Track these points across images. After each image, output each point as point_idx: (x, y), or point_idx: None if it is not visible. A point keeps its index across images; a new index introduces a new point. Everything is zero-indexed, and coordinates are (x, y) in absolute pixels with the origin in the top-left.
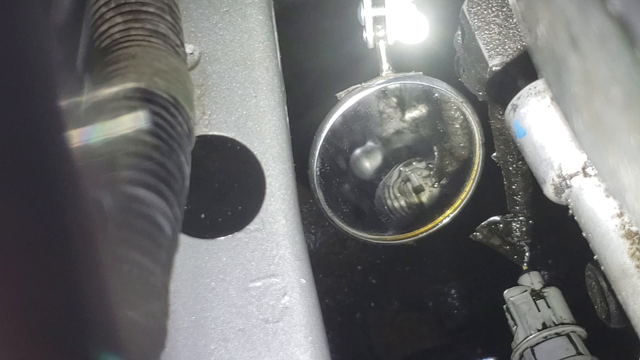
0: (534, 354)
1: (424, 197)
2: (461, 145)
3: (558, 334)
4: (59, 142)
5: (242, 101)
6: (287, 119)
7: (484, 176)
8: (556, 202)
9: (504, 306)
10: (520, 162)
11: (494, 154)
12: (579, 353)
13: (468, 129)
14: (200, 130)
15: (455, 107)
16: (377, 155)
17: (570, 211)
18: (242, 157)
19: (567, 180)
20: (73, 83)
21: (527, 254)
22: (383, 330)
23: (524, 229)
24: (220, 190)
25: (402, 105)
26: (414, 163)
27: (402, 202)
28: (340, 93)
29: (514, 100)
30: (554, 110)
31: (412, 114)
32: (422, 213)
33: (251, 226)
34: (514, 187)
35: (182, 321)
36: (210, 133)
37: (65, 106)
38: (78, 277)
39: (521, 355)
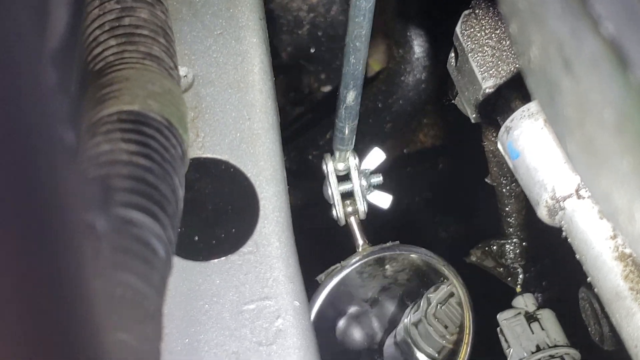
0: None
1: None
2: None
3: (552, 357)
4: (53, 165)
5: (236, 124)
6: (281, 142)
7: (478, 198)
8: (550, 224)
9: (498, 328)
10: (514, 184)
11: (488, 177)
12: None
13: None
14: (194, 152)
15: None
16: (368, 319)
17: (563, 233)
18: (236, 179)
19: (561, 203)
20: (67, 106)
21: (520, 276)
22: None
23: (517, 251)
24: (214, 213)
25: (382, 261)
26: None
27: (446, 323)
28: (321, 276)
29: (507, 123)
30: (547, 132)
31: (393, 267)
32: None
33: (245, 249)
34: (507, 209)
35: (176, 344)
36: (204, 155)
37: (59, 129)
38: (70, 300)
39: None
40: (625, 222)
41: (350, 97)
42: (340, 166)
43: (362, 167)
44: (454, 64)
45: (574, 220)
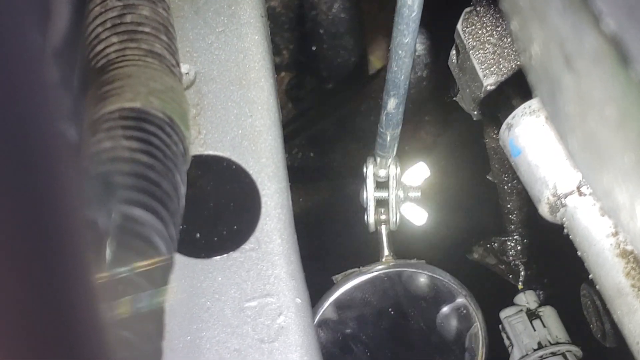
0: None
1: None
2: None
3: (554, 354)
4: (55, 162)
5: (238, 121)
6: (282, 139)
7: (479, 196)
8: (551, 221)
9: (500, 326)
10: (515, 182)
11: (489, 174)
12: None
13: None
14: (196, 149)
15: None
16: (375, 339)
17: (565, 230)
18: (238, 176)
19: (562, 199)
20: (70, 103)
21: (522, 273)
22: None
23: (519, 248)
24: (216, 210)
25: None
26: None
27: None
28: (337, 276)
29: (508, 120)
30: (548, 129)
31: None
32: None
33: (246, 246)
34: (509, 206)
35: (178, 341)
36: (206, 152)
37: (62, 126)
38: (71, 297)
39: None
40: (627, 218)
41: (392, 104)
42: (381, 172)
43: (403, 178)
44: (456, 62)
45: (575, 217)
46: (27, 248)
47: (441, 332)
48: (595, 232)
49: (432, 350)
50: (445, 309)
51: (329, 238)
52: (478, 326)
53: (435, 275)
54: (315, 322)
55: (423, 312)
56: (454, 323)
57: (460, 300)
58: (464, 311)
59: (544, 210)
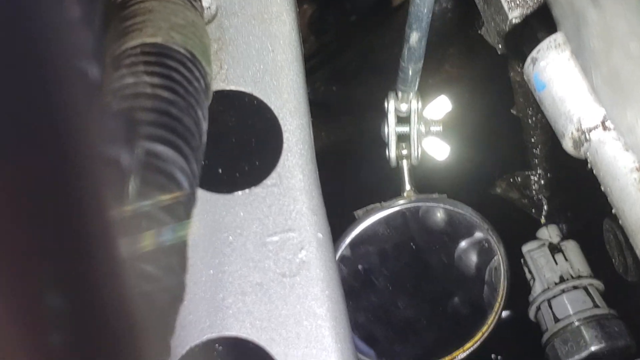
0: (551, 307)
1: None
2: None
3: (575, 287)
4: (77, 99)
5: (259, 56)
6: (304, 74)
7: (503, 130)
8: (575, 155)
9: (522, 260)
10: (540, 116)
11: (513, 108)
12: (595, 306)
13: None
14: (218, 85)
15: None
16: (396, 273)
17: (589, 165)
18: (259, 112)
19: (586, 134)
20: (91, 39)
21: (545, 207)
22: None
23: (542, 182)
24: (238, 145)
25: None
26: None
27: None
28: (359, 211)
29: (533, 54)
30: (573, 63)
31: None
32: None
33: (268, 181)
34: (532, 140)
35: (200, 275)
36: (228, 88)
37: (83, 62)
38: (94, 232)
39: (538, 308)
40: None
41: (414, 38)
42: (403, 107)
43: (425, 114)
44: None
45: (599, 151)
46: (49, 185)
47: (462, 266)
48: (619, 166)
49: (453, 284)
50: (466, 243)
51: (350, 173)
52: (499, 260)
53: (456, 210)
54: (337, 257)
55: (444, 246)
56: (475, 257)
57: (481, 234)
58: (486, 245)
59: (567, 144)
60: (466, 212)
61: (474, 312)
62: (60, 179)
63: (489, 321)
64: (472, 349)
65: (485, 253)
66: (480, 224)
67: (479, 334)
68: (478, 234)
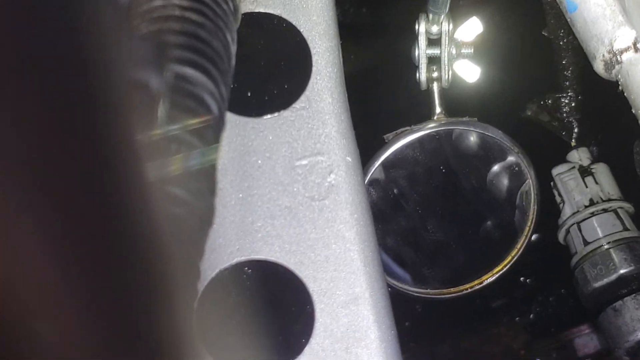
0: (580, 230)
1: None
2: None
3: (605, 210)
4: (105, 22)
5: None
6: None
7: (534, 52)
8: (606, 78)
9: (551, 183)
10: (571, 37)
11: (545, 29)
12: (625, 229)
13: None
14: (246, 7)
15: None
16: (426, 197)
17: (620, 87)
18: (288, 34)
19: (618, 56)
20: None
21: (575, 130)
22: None
23: (573, 104)
24: (266, 68)
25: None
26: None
27: None
28: (389, 135)
29: None
30: None
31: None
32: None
33: (297, 104)
34: (564, 62)
35: (230, 198)
36: (256, 10)
37: None
38: (124, 158)
39: (567, 232)
40: None
41: None
42: (434, 29)
43: (456, 35)
44: None
45: (630, 74)
46: (79, 110)
47: (492, 190)
48: None
49: (483, 207)
50: (497, 167)
51: (380, 97)
52: (530, 183)
53: (487, 133)
54: (366, 180)
55: (474, 169)
56: (505, 181)
57: (512, 157)
58: (516, 168)
59: (599, 67)
60: (497, 135)
61: (504, 235)
62: (89, 103)
63: (519, 245)
64: (501, 272)
65: (516, 177)
66: (510, 148)
67: (509, 258)
68: (509, 158)
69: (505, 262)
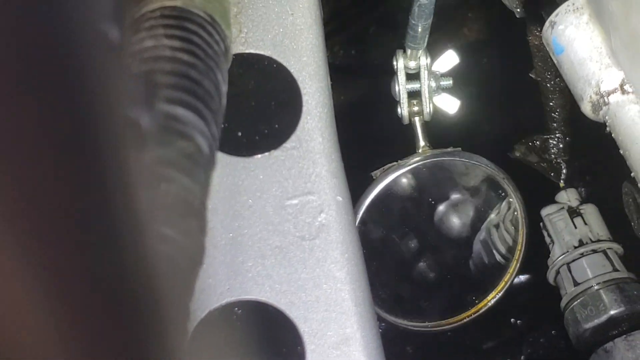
0: (570, 271)
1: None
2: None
3: (594, 251)
4: (97, 61)
5: (279, 19)
6: (324, 37)
7: (522, 93)
8: (594, 119)
9: (541, 223)
10: (558, 79)
11: (532, 71)
12: (615, 269)
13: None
14: (237, 48)
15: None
16: (466, 207)
17: (607, 128)
18: (279, 75)
19: (605, 98)
20: (111, 1)
21: (564, 171)
22: None
23: (561, 145)
24: (257, 108)
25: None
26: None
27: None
28: (376, 172)
29: (552, 17)
30: (592, 27)
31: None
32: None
33: (288, 144)
34: (551, 104)
35: (220, 238)
36: (247, 51)
37: (103, 25)
38: (113, 194)
39: (557, 272)
40: None
41: None
42: (411, 64)
43: (434, 68)
44: None
45: (618, 115)
46: (69, 146)
47: (481, 217)
48: (637, 130)
49: (473, 235)
50: (484, 194)
51: (365, 134)
52: (518, 208)
53: (472, 162)
54: (357, 219)
55: (463, 199)
56: (493, 207)
57: (498, 183)
58: (503, 194)
59: (586, 108)
60: (482, 163)
61: (497, 261)
62: (80, 141)
63: (511, 269)
64: (496, 297)
65: (504, 202)
66: (496, 174)
67: (502, 283)
68: (496, 184)
69: (500, 287)
